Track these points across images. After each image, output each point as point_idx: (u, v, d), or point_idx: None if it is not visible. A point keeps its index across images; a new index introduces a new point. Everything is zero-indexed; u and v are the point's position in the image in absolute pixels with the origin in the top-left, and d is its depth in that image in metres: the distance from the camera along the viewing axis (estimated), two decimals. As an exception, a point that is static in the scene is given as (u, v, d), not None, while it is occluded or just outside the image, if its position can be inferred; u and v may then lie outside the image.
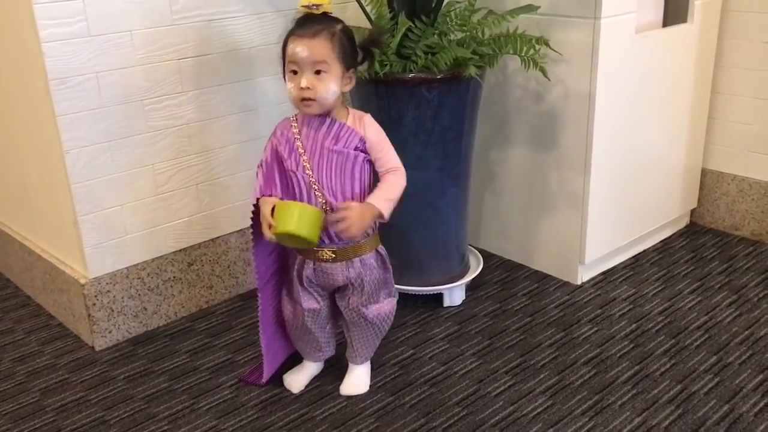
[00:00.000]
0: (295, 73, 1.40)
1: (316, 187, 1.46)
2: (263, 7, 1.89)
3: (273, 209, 1.42)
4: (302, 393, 1.62)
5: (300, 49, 1.37)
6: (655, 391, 1.59)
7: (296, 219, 1.37)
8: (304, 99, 1.40)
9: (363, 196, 1.48)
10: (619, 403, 1.56)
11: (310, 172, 1.46)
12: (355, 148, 1.46)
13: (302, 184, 1.47)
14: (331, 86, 1.40)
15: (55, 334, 1.91)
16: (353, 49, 1.45)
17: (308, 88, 1.38)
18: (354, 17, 1.92)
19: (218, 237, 1.97)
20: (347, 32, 1.44)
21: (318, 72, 1.38)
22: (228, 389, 1.65)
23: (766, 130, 2.19)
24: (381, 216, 1.46)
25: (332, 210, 1.46)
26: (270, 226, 1.41)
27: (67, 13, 1.57)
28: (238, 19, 1.85)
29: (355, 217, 1.42)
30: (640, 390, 1.60)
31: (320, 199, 1.46)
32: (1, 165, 2.04)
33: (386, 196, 1.47)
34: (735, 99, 2.23)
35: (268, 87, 1.95)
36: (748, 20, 2.14)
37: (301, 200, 1.48)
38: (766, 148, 2.21)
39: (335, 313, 1.63)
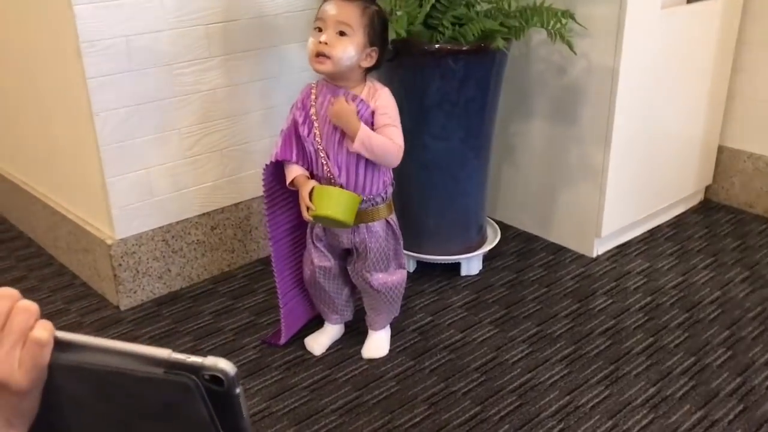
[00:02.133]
0: (319, 30, 1.41)
1: (323, 155, 1.48)
2: (290, -26, 1.89)
3: (311, 192, 1.46)
4: (324, 355, 1.67)
5: (330, 6, 1.39)
6: (669, 363, 1.63)
7: (334, 203, 1.43)
8: (319, 54, 1.41)
9: (367, 175, 1.50)
10: (634, 373, 1.60)
11: (319, 140, 1.48)
12: (365, 122, 1.46)
13: (311, 150, 1.49)
14: (349, 49, 1.40)
15: (80, 293, 1.95)
16: (382, 31, 1.46)
17: (326, 43, 1.39)
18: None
19: (241, 202, 2.00)
20: (381, 14, 1.45)
21: (341, 33, 1.39)
22: (252, 350, 1.69)
23: (785, 108, 2.20)
24: (352, 139, 1.42)
25: (335, 182, 1.48)
26: (308, 209, 1.45)
27: (99, -25, 1.58)
28: (265, -15, 1.85)
29: (343, 109, 1.41)
30: (655, 361, 1.63)
31: (326, 168, 1.48)
32: (26, 126, 2.06)
33: (371, 139, 1.42)
34: (755, 77, 2.24)
35: (292, 54, 1.96)
36: (773, -2, 2.14)
37: (312, 167, 1.51)
38: (784, 126, 2.22)
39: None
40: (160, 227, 1.86)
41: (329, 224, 1.52)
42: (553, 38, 1.75)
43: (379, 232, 1.56)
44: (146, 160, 1.78)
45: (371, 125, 1.46)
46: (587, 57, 1.90)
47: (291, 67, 1.97)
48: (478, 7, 1.80)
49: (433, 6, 1.71)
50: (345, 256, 1.63)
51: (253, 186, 2.01)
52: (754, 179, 2.32)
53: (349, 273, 1.63)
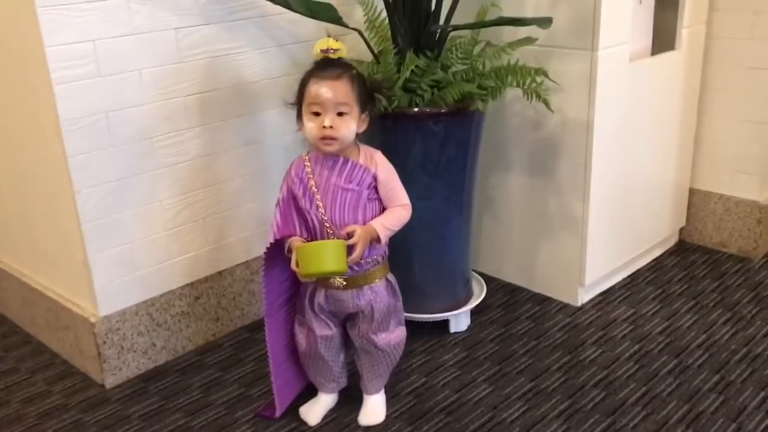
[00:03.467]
0: (316, 114, 1.43)
1: (328, 225, 1.49)
2: (266, 42, 1.91)
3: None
4: (320, 425, 1.64)
5: (324, 90, 1.40)
6: (665, 412, 1.64)
7: (320, 258, 1.42)
8: (325, 138, 1.42)
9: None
10: (631, 425, 1.60)
11: (323, 210, 1.49)
12: (368, 186, 1.50)
13: (315, 221, 1.50)
14: (352, 126, 1.44)
15: (61, 373, 1.89)
16: (367, 93, 1.49)
17: (331, 127, 1.41)
18: (352, 48, 1.95)
19: (224, 269, 1.98)
20: (361, 76, 1.49)
21: (340, 114, 1.42)
22: (246, 424, 1.65)
23: (749, 150, 2.27)
24: (378, 240, 1.50)
25: None
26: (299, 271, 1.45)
27: (79, 54, 1.58)
28: (241, 54, 1.87)
29: (363, 239, 1.46)
30: (650, 411, 1.64)
31: (332, 237, 1.49)
32: (3, 202, 2.02)
33: (387, 224, 1.51)
34: (720, 121, 2.31)
35: (272, 119, 1.97)
36: (732, 46, 2.22)
37: (315, 237, 1.51)
38: (751, 168, 2.29)
39: (347, 342, 1.66)
40: (143, 301, 1.83)
41: (323, 277, 1.51)
42: (529, 97, 1.78)
43: (382, 291, 1.57)
44: (129, 235, 1.76)
45: (374, 189, 1.50)
46: (561, 111, 1.95)
47: (270, 132, 1.98)
48: (454, 68, 1.84)
49: (411, 71, 1.74)
50: (344, 322, 1.62)
51: (236, 253, 2.00)
52: (725, 219, 2.38)
53: (352, 337, 1.61)
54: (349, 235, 1.45)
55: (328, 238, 1.49)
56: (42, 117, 1.64)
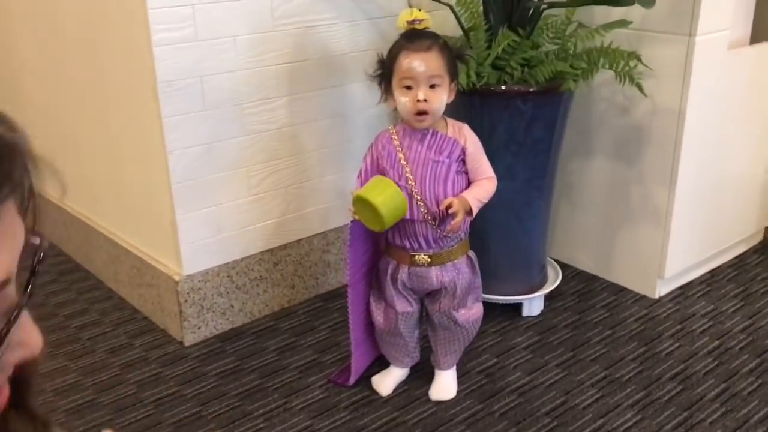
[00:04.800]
0: (408, 88, 1.43)
1: (419, 197, 1.49)
2: (356, 15, 1.92)
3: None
4: (391, 396, 1.66)
5: (417, 63, 1.40)
6: (745, 411, 1.59)
7: (383, 194, 1.41)
8: (419, 112, 1.43)
9: None
10: (709, 420, 1.56)
11: (413, 183, 1.49)
12: (457, 159, 1.49)
13: (404, 193, 1.50)
14: (443, 98, 1.44)
15: (142, 328, 1.96)
16: (455, 61, 1.48)
17: (425, 100, 1.41)
18: (439, 25, 1.94)
19: (303, 238, 2.01)
20: (447, 45, 1.47)
21: (433, 86, 1.41)
22: (318, 389, 1.68)
23: None
24: (470, 212, 1.49)
25: (433, 219, 1.49)
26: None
27: (178, 18, 1.62)
28: (332, 26, 1.88)
29: (461, 210, 1.46)
30: (729, 408, 1.60)
31: (422, 209, 1.49)
32: (91, 160, 2.10)
33: (478, 197, 1.51)
34: (818, 117, 2.21)
35: (357, 93, 1.98)
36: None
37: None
38: None
39: (421, 318, 1.67)
40: (225, 263, 1.87)
41: (364, 218, 1.46)
42: (621, 80, 1.75)
43: (464, 268, 1.58)
44: (215, 198, 1.80)
45: (461, 162, 1.50)
46: (652, 98, 1.89)
47: (355, 106, 1.99)
48: (544, 48, 1.81)
49: (502, 48, 1.72)
50: (423, 299, 1.63)
51: (315, 223, 2.03)
52: (816, 220, 2.28)
53: (432, 313, 1.62)
54: (448, 208, 1.45)
55: (420, 211, 1.49)
56: (139, 78, 1.69)
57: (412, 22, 1.46)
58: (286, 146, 1.89)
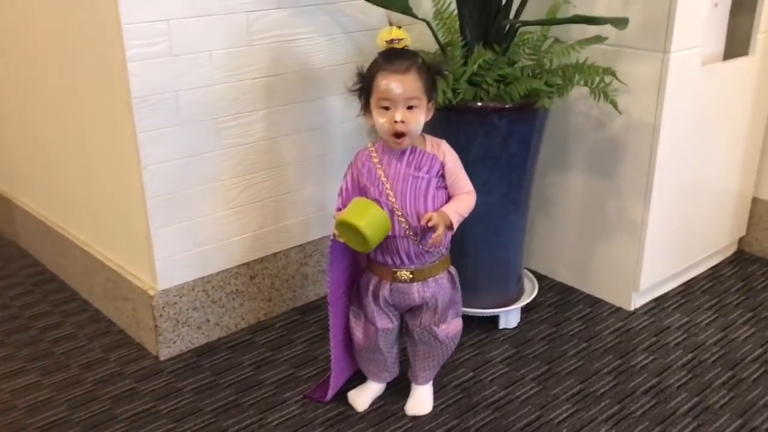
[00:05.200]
0: (386, 108, 1.43)
1: (399, 213, 1.49)
2: (333, 29, 1.92)
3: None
4: (367, 412, 1.66)
5: (395, 85, 1.40)
6: (716, 425, 1.61)
7: (366, 216, 1.41)
8: (397, 134, 1.43)
9: None
10: (682, 435, 1.58)
11: (393, 199, 1.49)
12: (436, 174, 1.50)
13: (385, 210, 1.50)
14: (421, 119, 1.44)
15: (117, 341, 1.95)
16: (433, 81, 1.49)
17: (403, 122, 1.41)
18: (416, 39, 1.95)
19: (279, 251, 2.01)
20: (426, 65, 1.48)
21: (410, 107, 1.42)
22: (294, 405, 1.68)
23: (820, 162, 2.21)
24: (451, 226, 1.50)
25: (414, 234, 1.49)
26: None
27: (153, 33, 1.61)
28: (309, 40, 1.88)
29: (441, 223, 1.46)
30: (701, 423, 1.62)
31: (403, 225, 1.49)
32: (68, 173, 2.08)
33: (457, 210, 1.52)
34: (790, 131, 2.25)
35: (335, 106, 1.98)
36: (808, 54, 2.15)
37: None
38: (820, 180, 2.22)
39: (400, 333, 1.67)
40: (201, 278, 1.87)
41: (348, 240, 1.46)
42: (596, 97, 1.76)
43: (445, 283, 1.58)
44: (192, 212, 1.79)
45: (441, 177, 1.51)
46: (627, 113, 1.91)
47: (332, 119, 1.99)
48: (520, 63, 1.82)
49: (478, 65, 1.73)
50: (403, 315, 1.63)
51: (292, 235, 2.02)
52: (788, 232, 2.31)
53: (412, 329, 1.62)
54: (428, 222, 1.46)
55: (401, 227, 1.49)
56: (113, 93, 1.68)
57: (391, 41, 1.46)
58: (264, 159, 1.89)
